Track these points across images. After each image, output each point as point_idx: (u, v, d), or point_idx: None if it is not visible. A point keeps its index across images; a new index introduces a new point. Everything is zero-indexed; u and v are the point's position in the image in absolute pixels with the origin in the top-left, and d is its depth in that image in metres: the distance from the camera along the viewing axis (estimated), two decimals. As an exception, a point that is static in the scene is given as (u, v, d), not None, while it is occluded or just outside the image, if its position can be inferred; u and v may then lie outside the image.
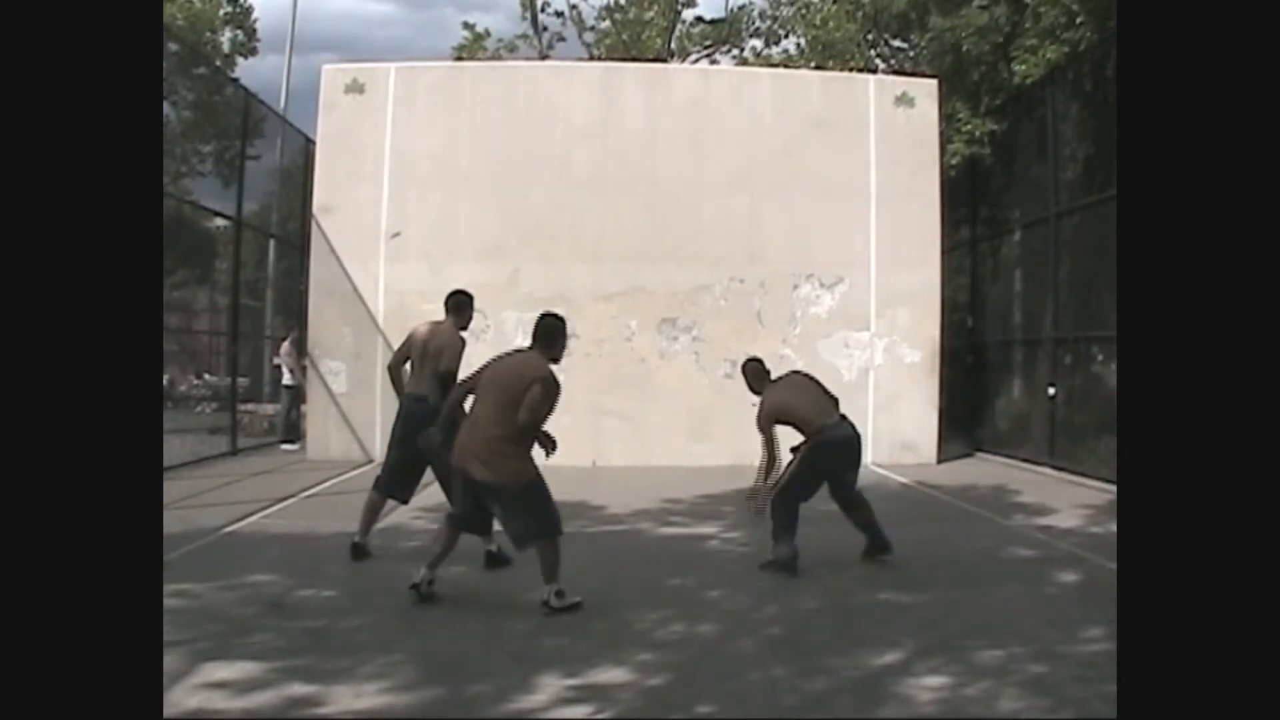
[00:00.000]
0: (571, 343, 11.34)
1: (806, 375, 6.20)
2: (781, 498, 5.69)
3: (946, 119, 12.77)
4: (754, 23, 22.15)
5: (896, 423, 11.41)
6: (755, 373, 6.10)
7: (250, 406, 13.92)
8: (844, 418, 5.86)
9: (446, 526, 4.91)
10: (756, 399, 5.95)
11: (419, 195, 11.43)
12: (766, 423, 5.69)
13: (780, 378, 6.10)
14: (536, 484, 4.69)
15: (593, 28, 23.37)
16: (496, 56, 21.83)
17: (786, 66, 18.33)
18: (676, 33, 22.93)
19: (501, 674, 3.71)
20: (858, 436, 5.92)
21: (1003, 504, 8.45)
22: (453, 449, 4.74)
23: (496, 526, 5.06)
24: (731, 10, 22.43)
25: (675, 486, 9.09)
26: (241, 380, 13.50)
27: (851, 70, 15.07)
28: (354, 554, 5.76)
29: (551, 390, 4.66)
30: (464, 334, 6.02)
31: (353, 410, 11.24)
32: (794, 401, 5.83)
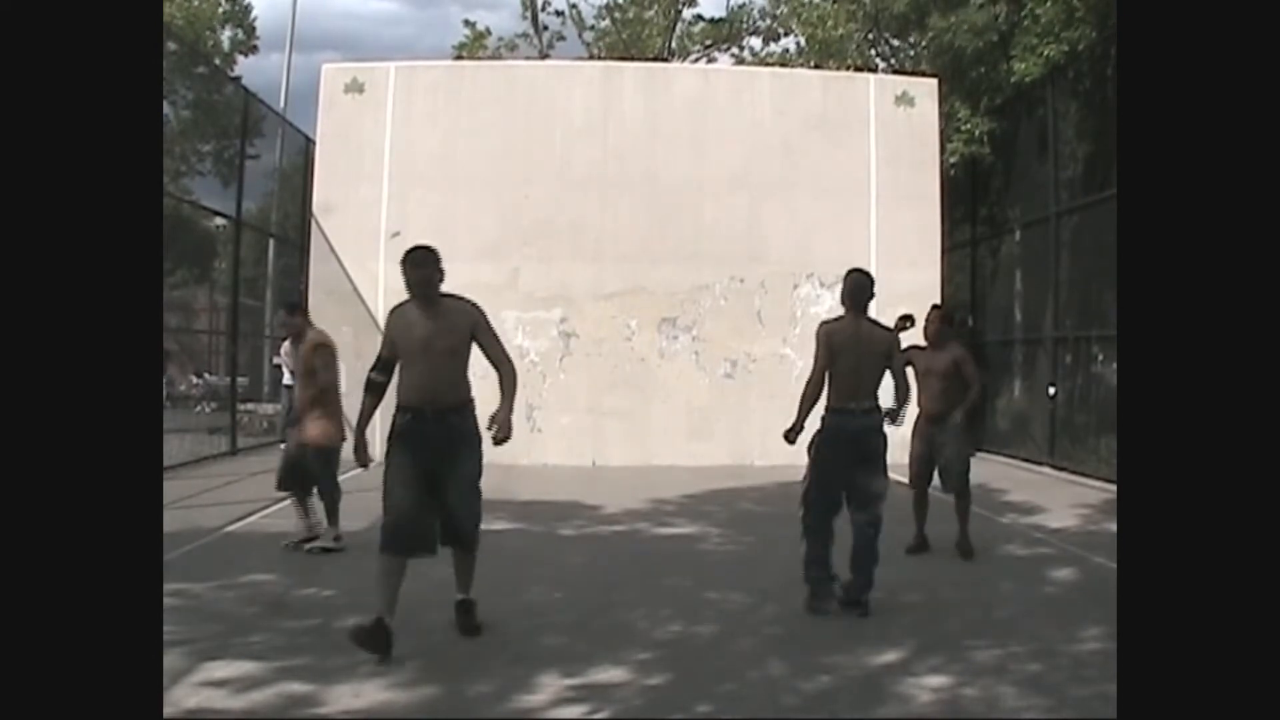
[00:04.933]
0: (571, 343, 11.51)
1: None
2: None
3: (946, 118, 12.77)
4: (754, 21, 22.17)
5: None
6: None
7: (250, 406, 13.91)
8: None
9: None
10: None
11: (419, 195, 11.43)
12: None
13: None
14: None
15: (593, 27, 23.41)
16: (497, 55, 21.84)
17: (785, 65, 18.34)
18: (676, 32, 22.93)
19: (501, 674, 3.71)
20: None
21: (1002, 503, 8.45)
22: None
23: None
24: (732, 9, 22.46)
25: (675, 486, 9.09)
26: (241, 380, 13.49)
27: (851, 69, 15.08)
28: None
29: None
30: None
31: (352, 410, 11.24)
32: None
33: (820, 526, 4.76)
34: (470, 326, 4.13)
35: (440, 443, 4.07)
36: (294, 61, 28.06)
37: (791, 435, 4.76)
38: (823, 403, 4.81)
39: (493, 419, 4.08)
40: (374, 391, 4.22)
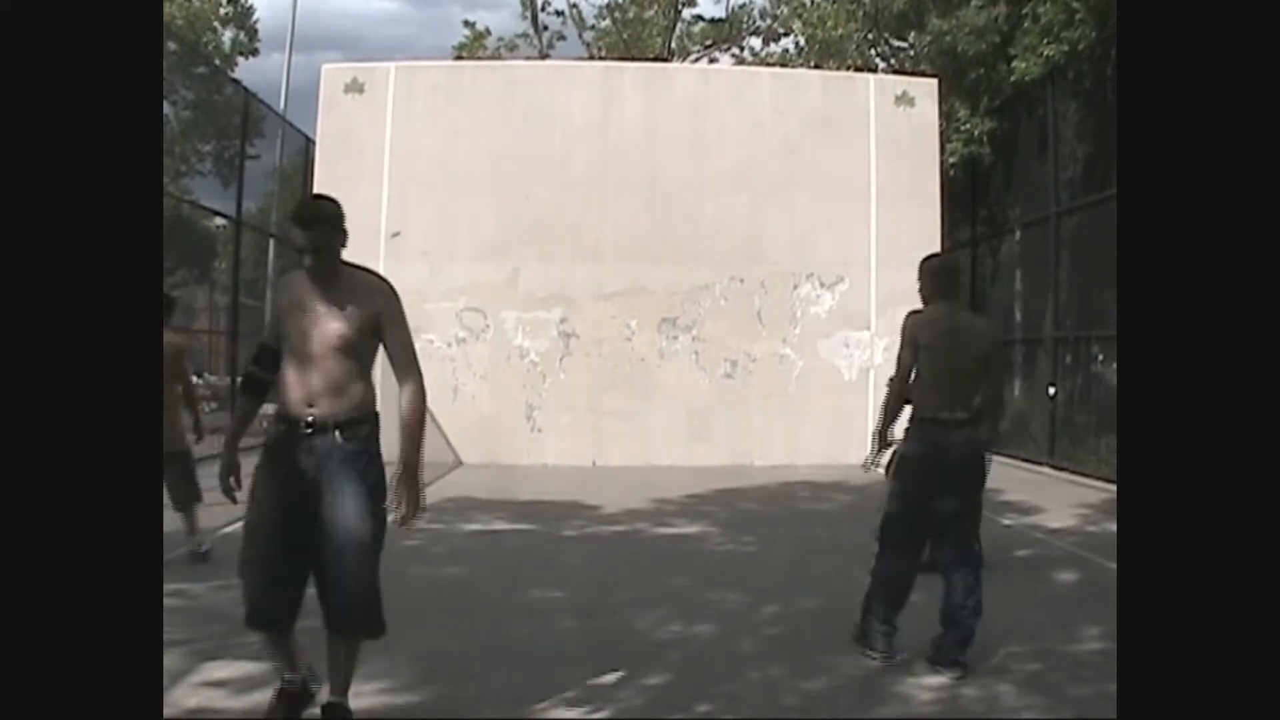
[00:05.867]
0: (571, 343, 11.50)
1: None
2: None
3: (946, 118, 12.79)
4: (754, 21, 22.19)
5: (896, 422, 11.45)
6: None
7: (250, 406, 13.87)
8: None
9: None
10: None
11: (419, 195, 11.44)
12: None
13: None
14: None
15: (593, 27, 23.42)
16: (497, 55, 21.85)
17: (785, 65, 18.36)
18: (676, 32, 22.94)
19: (501, 674, 3.71)
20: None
21: (1002, 503, 8.44)
22: None
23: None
24: (732, 9, 22.47)
25: (675, 486, 9.09)
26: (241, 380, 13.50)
27: (851, 69, 15.09)
28: None
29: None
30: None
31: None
32: None
33: (897, 567, 3.93)
34: (377, 312, 3.02)
35: (316, 470, 2.91)
36: (294, 61, 27.96)
37: (876, 452, 3.93)
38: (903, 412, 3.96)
39: (396, 489, 2.95)
40: (249, 391, 3.23)
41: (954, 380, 3.81)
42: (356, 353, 3.02)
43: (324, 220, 3.06)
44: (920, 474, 3.82)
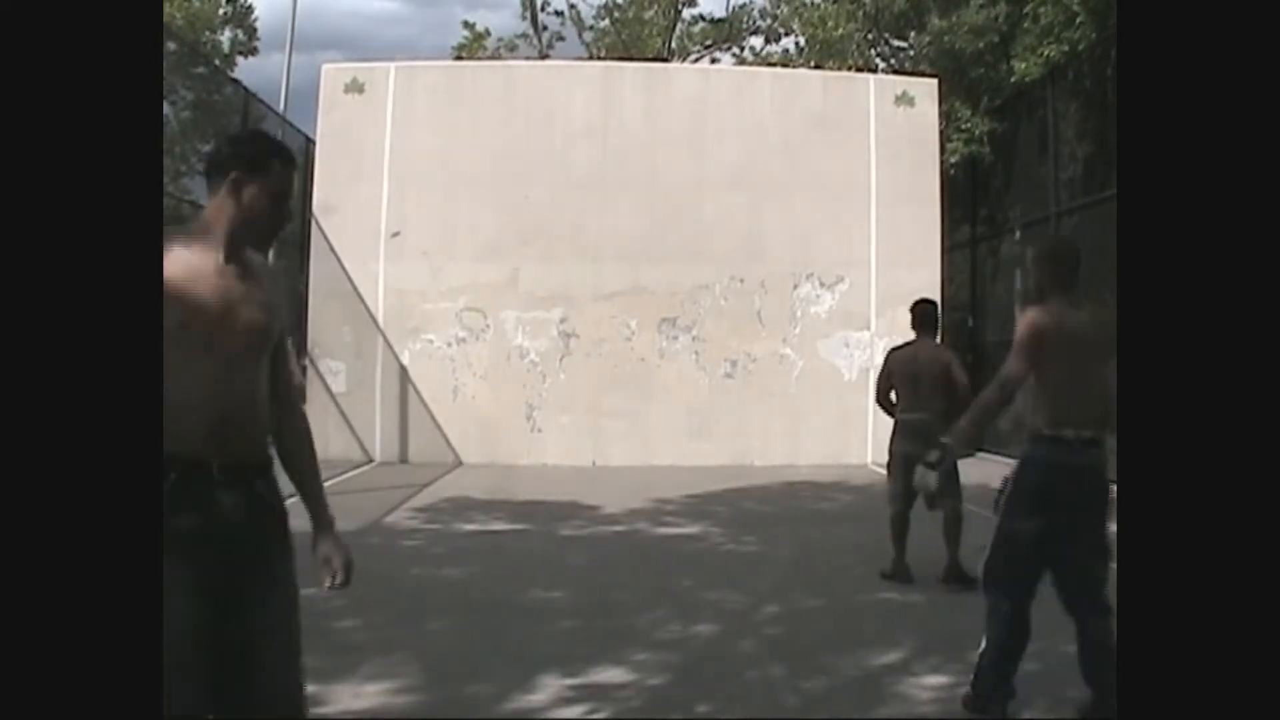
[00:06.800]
0: (571, 343, 11.51)
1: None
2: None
3: (946, 118, 12.80)
4: (754, 21, 22.21)
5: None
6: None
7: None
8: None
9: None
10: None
11: (419, 195, 11.45)
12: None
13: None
14: None
15: (592, 27, 23.43)
16: (496, 56, 21.87)
17: (786, 65, 18.38)
18: (676, 32, 22.96)
19: (501, 674, 3.71)
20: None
21: (1003, 503, 8.44)
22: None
23: None
24: (732, 9, 22.49)
25: (675, 486, 9.09)
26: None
27: (851, 69, 15.11)
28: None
29: None
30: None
31: (352, 410, 11.25)
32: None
33: (1014, 611, 3.32)
34: (279, 310, 2.15)
35: (239, 536, 2.04)
36: (294, 61, 27.97)
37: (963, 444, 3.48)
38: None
39: (318, 541, 2.23)
40: None
41: (1082, 390, 3.16)
42: (264, 359, 2.11)
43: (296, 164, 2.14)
44: (1042, 506, 3.23)
